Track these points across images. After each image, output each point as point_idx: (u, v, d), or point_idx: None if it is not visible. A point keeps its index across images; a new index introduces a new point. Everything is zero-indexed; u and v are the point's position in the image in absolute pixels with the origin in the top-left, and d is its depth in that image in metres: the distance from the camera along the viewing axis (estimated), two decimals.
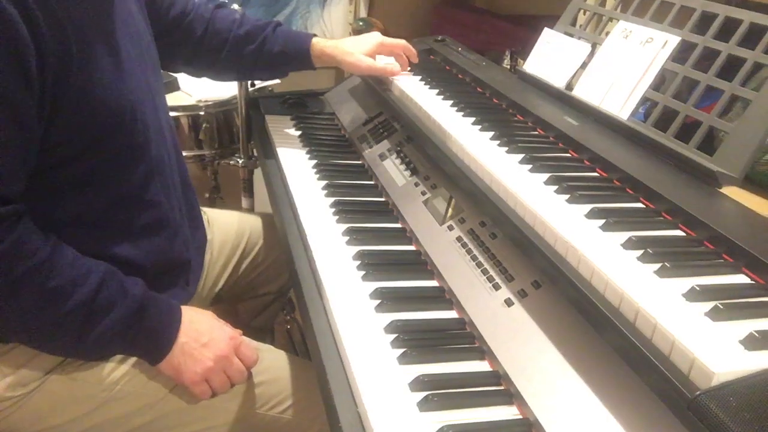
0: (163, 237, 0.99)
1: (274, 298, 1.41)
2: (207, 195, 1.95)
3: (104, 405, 0.93)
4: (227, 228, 1.30)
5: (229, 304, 1.37)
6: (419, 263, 0.99)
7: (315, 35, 1.32)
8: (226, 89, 1.71)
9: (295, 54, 1.30)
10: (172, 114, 1.38)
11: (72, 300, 0.83)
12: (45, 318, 0.83)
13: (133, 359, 0.94)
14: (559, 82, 1.19)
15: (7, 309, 0.81)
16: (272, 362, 1.05)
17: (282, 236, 1.10)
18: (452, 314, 0.88)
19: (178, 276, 1.05)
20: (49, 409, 0.92)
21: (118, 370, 0.93)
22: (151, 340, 0.91)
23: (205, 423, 0.98)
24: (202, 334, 0.94)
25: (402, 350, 0.78)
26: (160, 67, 1.10)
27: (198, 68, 1.35)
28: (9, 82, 0.74)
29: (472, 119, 1.09)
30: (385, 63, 1.34)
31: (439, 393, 0.72)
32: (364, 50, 1.30)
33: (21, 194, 0.81)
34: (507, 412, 0.72)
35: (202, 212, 1.22)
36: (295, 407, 1.03)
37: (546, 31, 1.29)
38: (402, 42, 1.35)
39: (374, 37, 1.33)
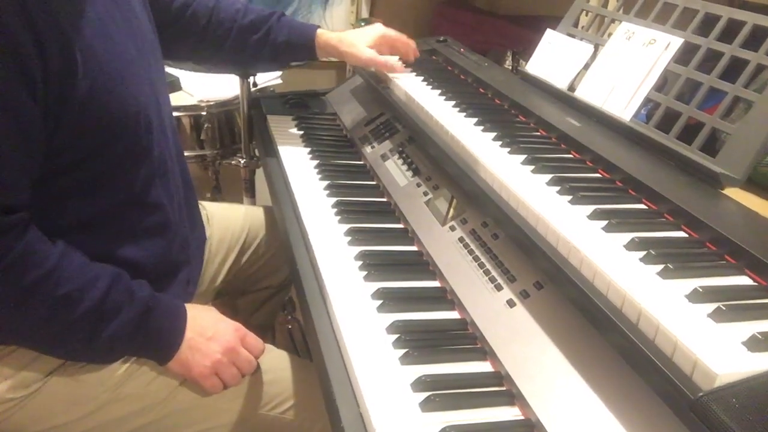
0: (164, 239, 0.99)
1: (274, 293, 1.41)
2: (208, 195, 1.95)
3: (106, 406, 0.93)
4: (227, 222, 1.30)
5: (230, 299, 1.37)
6: (421, 264, 0.99)
7: (319, 26, 1.32)
8: (227, 89, 1.71)
9: (300, 44, 1.29)
10: (174, 114, 1.37)
11: (82, 306, 0.83)
12: (55, 325, 0.83)
13: (135, 360, 0.94)
14: (561, 83, 1.19)
15: (17, 318, 0.81)
16: (273, 362, 1.05)
17: (284, 236, 1.10)
18: (454, 315, 0.88)
19: (178, 276, 1.04)
20: (51, 411, 0.91)
21: (120, 371, 0.93)
22: (158, 340, 0.91)
23: (207, 424, 0.98)
24: (207, 328, 0.94)
25: (404, 351, 0.78)
26: (162, 64, 1.10)
27: (202, 58, 1.34)
28: (14, 93, 0.74)
29: (474, 120, 1.09)
30: (386, 58, 1.34)
31: (441, 393, 0.72)
32: (367, 41, 1.29)
33: (27, 203, 0.80)
34: (509, 413, 0.72)
35: (201, 208, 1.22)
36: (297, 408, 1.03)
37: (548, 32, 1.28)
38: (403, 36, 1.35)
39: (377, 29, 1.33)
